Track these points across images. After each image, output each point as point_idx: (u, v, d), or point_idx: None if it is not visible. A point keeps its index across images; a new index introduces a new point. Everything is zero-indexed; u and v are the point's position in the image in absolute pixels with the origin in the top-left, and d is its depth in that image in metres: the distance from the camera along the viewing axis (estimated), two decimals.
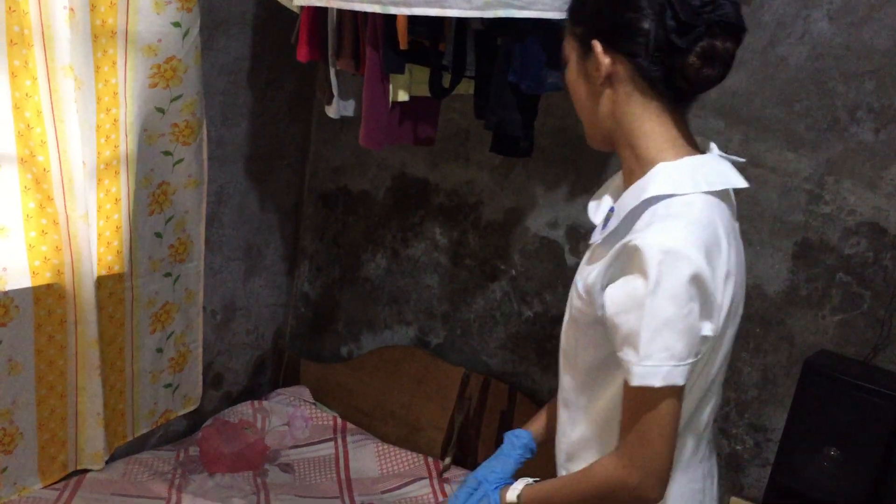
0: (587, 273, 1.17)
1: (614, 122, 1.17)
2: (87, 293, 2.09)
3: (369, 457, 2.62)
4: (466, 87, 2.11)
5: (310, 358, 3.00)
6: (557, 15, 1.71)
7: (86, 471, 2.27)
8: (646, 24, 1.08)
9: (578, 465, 1.26)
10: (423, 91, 2.08)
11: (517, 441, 1.46)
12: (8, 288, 1.97)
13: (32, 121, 1.90)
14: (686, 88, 1.12)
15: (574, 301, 1.21)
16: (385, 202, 2.78)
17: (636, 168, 1.16)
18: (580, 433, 1.28)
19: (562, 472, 1.33)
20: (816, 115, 1.98)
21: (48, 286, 2.04)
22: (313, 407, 2.80)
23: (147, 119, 2.11)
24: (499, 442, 2.31)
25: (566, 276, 2.42)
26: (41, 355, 2.09)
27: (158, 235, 2.28)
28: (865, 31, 1.90)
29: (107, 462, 2.34)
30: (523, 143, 2.01)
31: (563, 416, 1.33)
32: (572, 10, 1.20)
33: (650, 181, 1.11)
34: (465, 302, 2.65)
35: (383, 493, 2.46)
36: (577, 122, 2.31)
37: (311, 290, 3.02)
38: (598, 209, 1.29)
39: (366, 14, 1.96)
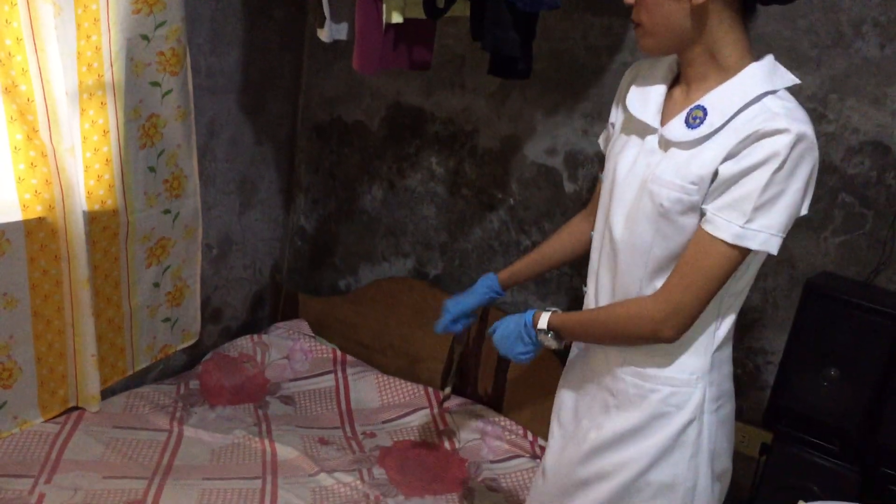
0: (697, 161, 1.25)
1: (696, 33, 1.25)
2: (77, 229, 2.06)
3: (369, 388, 2.63)
4: (462, 9, 2.05)
5: (308, 292, 2.99)
6: None
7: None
8: None
9: (635, 356, 1.39)
10: (418, 13, 2.03)
11: (486, 281, 1.74)
12: None
13: (13, 48, 1.85)
14: (770, 2, 1.27)
15: (665, 193, 1.27)
16: (380, 132, 2.73)
17: (713, 72, 1.27)
18: None
19: (615, 370, 1.43)
20: (821, 31, 1.93)
21: (40, 220, 2.02)
22: (312, 340, 2.80)
23: (132, 47, 2.06)
24: (498, 371, 2.36)
25: (565, 203, 2.39)
26: (36, 290, 2.07)
27: (152, 170, 2.24)
28: None
29: (108, 396, 2.35)
30: (521, 63, 1.96)
31: None
32: None
33: (749, 81, 1.24)
34: (462, 232, 2.63)
35: (384, 422, 2.48)
36: (574, 44, 2.28)
37: (308, 224, 2.99)
38: (645, 105, 1.36)
39: None
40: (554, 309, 1.47)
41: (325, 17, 2.10)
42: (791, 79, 1.27)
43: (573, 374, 1.54)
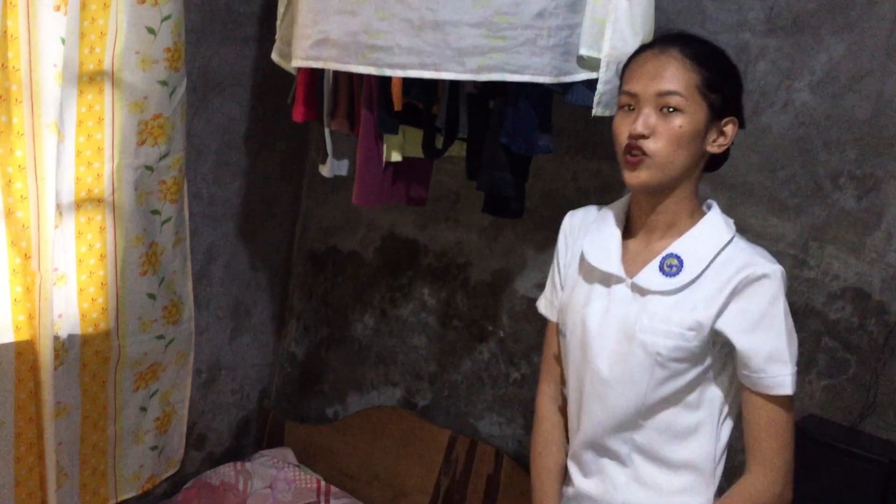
0: (685, 308, 1.29)
1: (686, 175, 1.34)
2: (46, 360, 2.01)
3: None
4: (458, 150, 2.14)
5: (295, 419, 2.96)
6: (549, 79, 1.75)
7: None
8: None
9: (645, 493, 1.37)
10: (417, 152, 2.12)
11: None
12: None
13: (14, 175, 1.90)
14: (709, 167, 1.40)
15: (661, 342, 1.30)
16: (374, 262, 2.79)
17: (681, 219, 1.35)
18: (639, 464, 1.38)
19: None
20: (800, 182, 2.02)
21: (29, 342, 2.02)
22: (297, 469, 2.75)
23: (137, 177, 2.12)
24: None
25: None
26: (21, 412, 2.05)
27: (152, 297, 2.26)
28: (847, 101, 1.95)
29: None
30: (515, 203, 2.03)
31: (610, 461, 1.40)
32: (711, 77, 1.31)
33: (715, 227, 1.35)
34: (452, 363, 2.64)
35: None
36: (564, 185, 2.36)
37: (298, 350, 3.00)
38: (606, 255, 1.39)
39: (361, 76, 2.00)
40: None
41: (327, 154, 2.19)
42: (731, 222, 1.39)
43: None
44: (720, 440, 1.39)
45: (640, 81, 1.31)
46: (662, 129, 1.28)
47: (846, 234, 1.98)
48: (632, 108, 1.32)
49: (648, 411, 1.34)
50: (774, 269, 1.29)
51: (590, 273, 1.41)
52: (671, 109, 1.28)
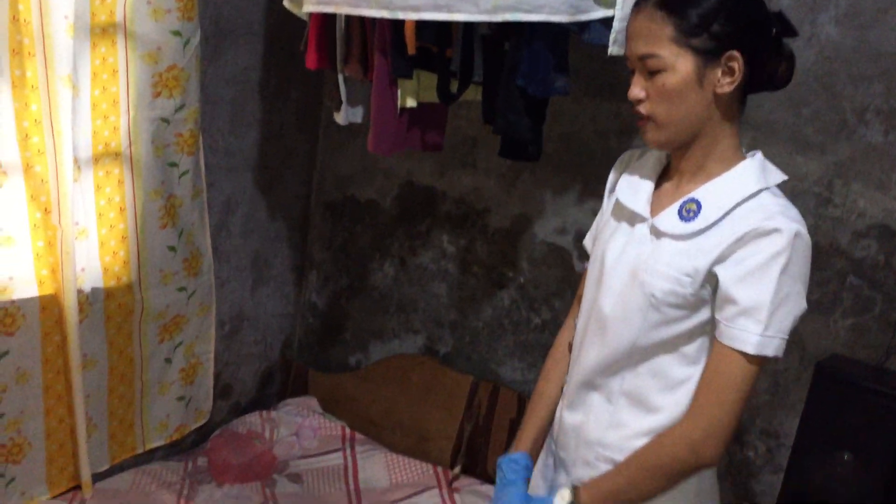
0: (691, 254, 1.25)
1: (702, 123, 1.27)
2: (72, 313, 2.04)
3: (378, 467, 2.60)
4: (474, 94, 2.11)
5: (318, 368, 2.99)
6: (565, 18, 1.71)
7: (94, 481, 2.26)
8: (773, 30, 1.26)
9: (621, 434, 1.35)
10: (432, 97, 2.09)
11: (517, 465, 1.48)
12: (15, 297, 1.97)
13: (30, 130, 1.90)
14: (768, 90, 1.30)
15: (658, 284, 1.27)
16: (392, 210, 2.78)
17: (709, 165, 1.29)
18: (624, 405, 1.36)
19: (595, 449, 1.38)
20: (825, 119, 1.98)
21: (53, 296, 2.04)
22: (321, 417, 2.79)
23: (154, 129, 2.12)
24: (508, 449, 2.28)
25: (574, 282, 2.41)
26: (48, 365, 2.09)
27: (172, 249, 2.27)
28: (872, 34, 1.89)
29: (116, 472, 2.33)
30: (532, 147, 2.01)
31: (598, 396, 1.39)
32: (687, 23, 1.23)
33: (745, 176, 1.26)
34: (473, 310, 2.65)
35: (393, 502, 2.45)
36: (583, 128, 2.33)
37: (319, 300, 3.01)
38: (635, 194, 1.37)
39: (374, 20, 1.97)
40: (566, 493, 1.34)
41: (341, 101, 2.17)
42: (780, 176, 1.30)
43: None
44: None
45: (628, 44, 1.30)
46: (651, 91, 1.26)
47: (872, 170, 1.94)
48: (633, 70, 1.31)
49: (642, 355, 1.32)
50: (790, 227, 1.19)
51: (620, 211, 1.41)
52: (654, 72, 1.25)
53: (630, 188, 1.39)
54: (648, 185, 1.37)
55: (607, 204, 1.49)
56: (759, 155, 1.30)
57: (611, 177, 1.51)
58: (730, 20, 1.22)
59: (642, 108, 1.29)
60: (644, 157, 1.44)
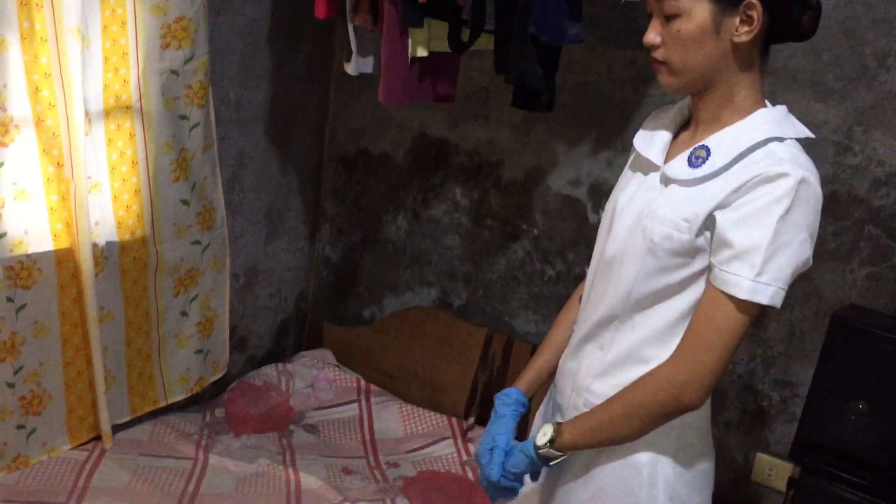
0: (694, 200, 1.22)
1: (718, 72, 1.24)
2: (87, 266, 2.06)
3: (393, 417, 2.63)
4: (486, 43, 2.08)
5: (332, 321, 3.01)
6: None
7: (114, 432, 2.30)
8: None
9: (608, 383, 1.33)
10: (443, 47, 2.06)
11: (508, 399, 1.49)
12: (30, 251, 1.98)
13: (41, 83, 1.90)
14: (790, 41, 1.26)
15: (658, 229, 1.25)
16: (405, 163, 2.76)
17: (726, 114, 1.26)
18: (615, 354, 1.34)
19: (583, 395, 1.37)
20: (844, 64, 1.94)
21: (69, 250, 2.05)
22: (337, 369, 2.81)
23: (163, 82, 2.10)
24: None
25: (588, 234, 2.40)
26: (66, 317, 2.11)
27: (185, 203, 2.27)
28: None
29: (135, 422, 2.37)
30: (545, 96, 1.98)
31: (593, 345, 1.38)
32: None
33: (758, 124, 1.23)
34: (486, 262, 2.64)
35: (407, 452, 2.48)
36: (598, 77, 2.30)
37: (333, 253, 3.02)
38: (651, 143, 1.35)
39: None
40: (549, 429, 1.33)
41: (351, 52, 2.15)
42: (803, 130, 1.25)
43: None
44: None
45: None
46: (667, 37, 1.23)
47: (893, 117, 1.90)
48: (651, 15, 1.28)
49: (637, 303, 1.30)
50: (796, 172, 1.15)
51: (636, 160, 1.39)
52: (670, 17, 1.22)
53: (648, 138, 1.38)
54: (665, 135, 1.36)
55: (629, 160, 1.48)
56: (780, 108, 1.27)
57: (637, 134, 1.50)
58: None
59: (657, 54, 1.26)
60: (666, 109, 1.42)
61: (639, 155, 1.38)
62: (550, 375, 1.53)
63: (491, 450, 1.42)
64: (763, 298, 1.16)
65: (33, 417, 2.10)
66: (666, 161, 1.32)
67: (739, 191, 1.18)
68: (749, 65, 1.24)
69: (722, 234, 1.19)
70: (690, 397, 1.22)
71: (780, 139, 1.21)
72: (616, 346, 1.34)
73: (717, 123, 1.27)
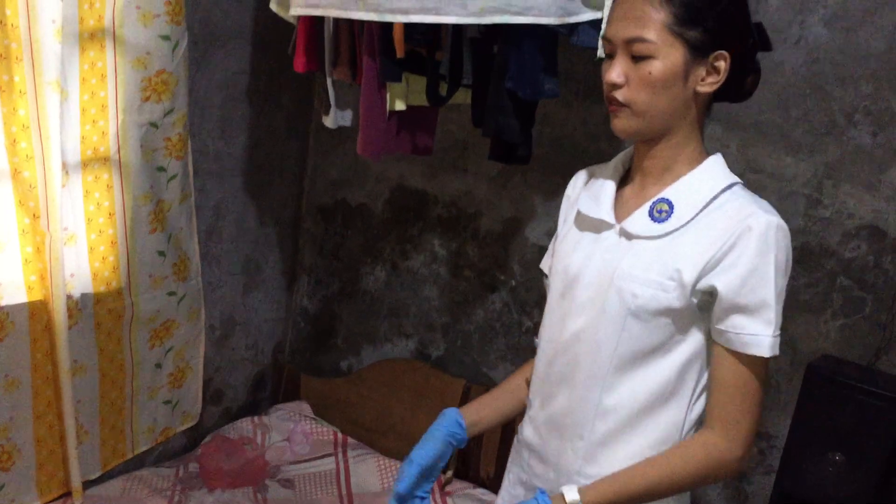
0: (669, 255, 1.22)
1: (677, 119, 1.24)
2: (60, 318, 2.02)
3: (370, 471, 2.59)
4: (464, 98, 2.11)
5: (310, 372, 2.98)
6: (553, 21, 1.71)
7: (84, 487, 2.24)
8: (753, 39, 1.25)
9: (603, 462, 1.28)
10: (421, 100, 2.09)
11: (442, 419, 1.47)
12: (3, 303, 1.96)
13: (18, 135, 1.89)
14: (730, 100, 1.30)
15: (639, 290, 1.23)
16: (383, 214, 2.77)
17: (677, 165, 1.27)
18: (604, 430, 1.29)
19: (579, 480, 1.30)
20: (814, 120, 1.98)
21: (42, 302, 2.03)
22: (313, 422, 2.78)
23: (143, 134, 2.11)
24: (500, 455, 2.26)
25: None
26: (38, 371, 2.07)
27: (161, 254, 2.26)
28: (861, 35, 1.90)
29: (107, 479, 2.32)
30: (521, 149, 2.01)
31: (570, 432, 1.32)
32: (685, 13, 1.18)
33: (713, 173, 1.26)
34: (464, 313, 2.64)
35: None
36: (574, 130, 2.33)
37: (311, 304, 3.00)
38: (597, 202, 1.33)
39: (362, 23, 1.97)
40: (575, 487, 1.26)
41: (330, 105, 2.17)
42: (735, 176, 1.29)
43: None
44: (692, 413, 1.28)
45: (613, 26, 1.23)
46: (634, 77, 1.20)
47: (861, 171, 1.94)
48: (611, 55, 1.24)
49: (620, 370, 1.26)
50: (770, 220, 1.18)
51: (582, 222, 1.36)
52: (640, 57, 1.19)
53: (590, 198, 1.34)
54: (610, 192, 1.33)
55: (562, 226, 1.45)
56: (719, 155, 1.30)
57: (564, 201, 1.48)
58: (725, 19, 1.19)
59: (619, 95, 1.22)
60: (601, 168, 1.40)
61: (584, 216, 1.34)
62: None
63: (409, 463, 1.41)
64: (777, 350, 1.20)
65: (2, 473, 2.05)
66: (618, 218, 1.30)
67: (722, 247, 1.18)
68: (701, 117, 1.27)
69: (731, 300, 1.19)
70: (742, 466, 1.24)
71: (731, 186, 1.25)
72: (604, 423, 1.29)
73: (669, 174, 1.27)
